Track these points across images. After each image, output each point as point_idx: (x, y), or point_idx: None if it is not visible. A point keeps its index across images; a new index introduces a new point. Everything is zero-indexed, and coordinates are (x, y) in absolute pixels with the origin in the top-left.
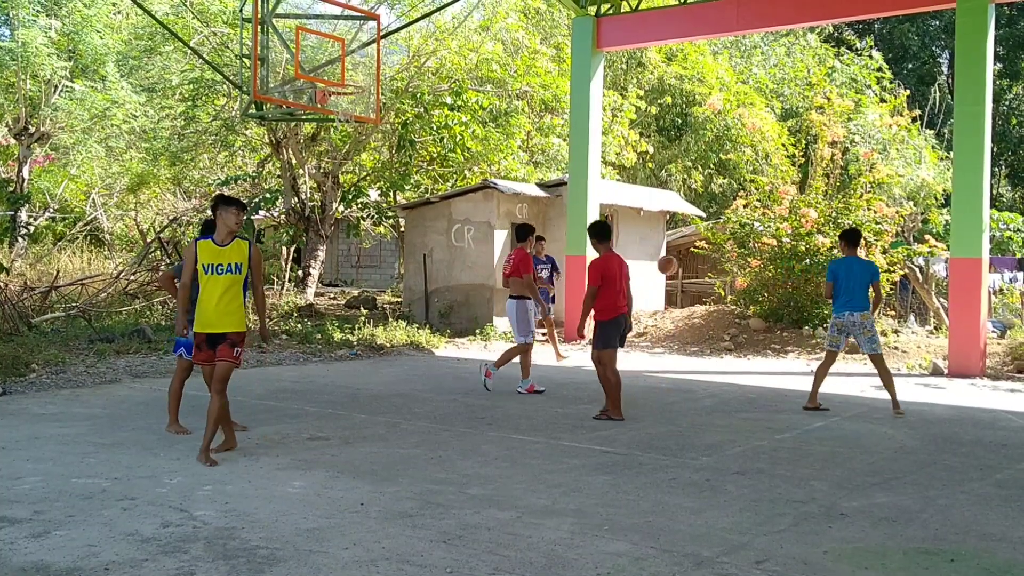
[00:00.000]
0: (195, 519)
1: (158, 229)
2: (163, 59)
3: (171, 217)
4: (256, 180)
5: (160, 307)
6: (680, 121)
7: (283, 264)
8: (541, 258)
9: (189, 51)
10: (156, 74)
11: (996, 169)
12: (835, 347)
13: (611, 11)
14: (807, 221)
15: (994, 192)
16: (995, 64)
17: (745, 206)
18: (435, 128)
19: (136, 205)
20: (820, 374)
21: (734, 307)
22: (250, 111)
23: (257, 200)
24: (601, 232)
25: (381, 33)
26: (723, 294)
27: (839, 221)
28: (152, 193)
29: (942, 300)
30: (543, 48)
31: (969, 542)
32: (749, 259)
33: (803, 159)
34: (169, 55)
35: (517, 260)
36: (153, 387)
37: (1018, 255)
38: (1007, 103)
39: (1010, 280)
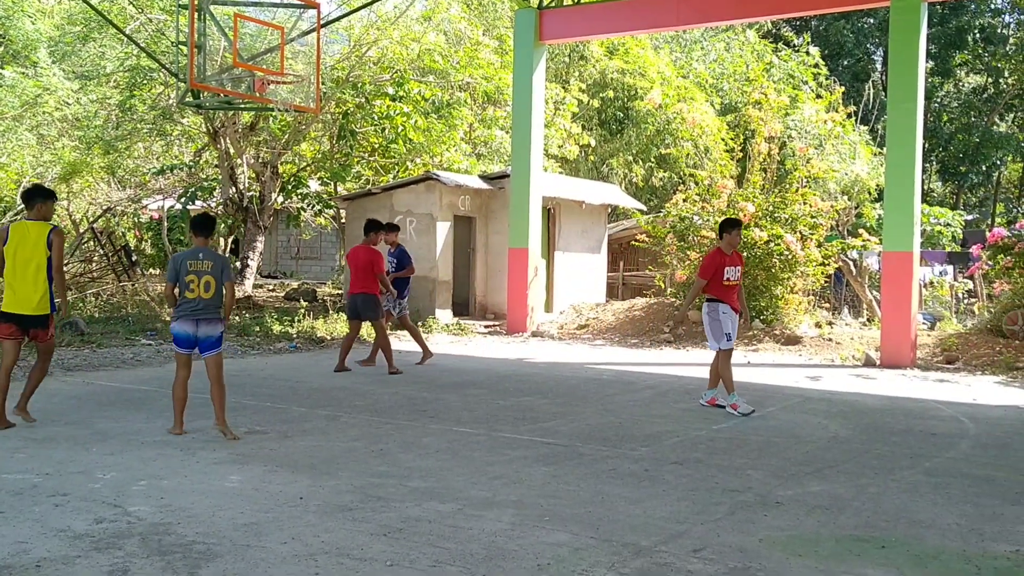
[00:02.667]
0: (129, 515)
1: (91, 219)
2: (97, 46)
3: (105, 207)
4: (193, 170)
5: (93, 299)
6: (622, 115)
7: None
8: (392, 250)
9: (124, 38)
10: (90, 61)
11: (927, 165)
12: None
13: (553, 4)
14: (745, 215)
15: (925, 187)
16: (927, 62)
17: (685, 200)
18: (376, 119)
19: (68, 195)
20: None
21: (674, 299)
22: (187, 99)
23: (193, 190)
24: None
25: (321, 22)
26: (663, 287)
27: (776, 215)
28: (85, 183)
29: (875, 293)
30: (485, 40)
31: (899, 529)
32: (688, 252)
33: (741, 154)
34: (104, 42)
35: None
36: (86, 381)
37: (948, 249)
38: (938, 100)
39: (940, 273)
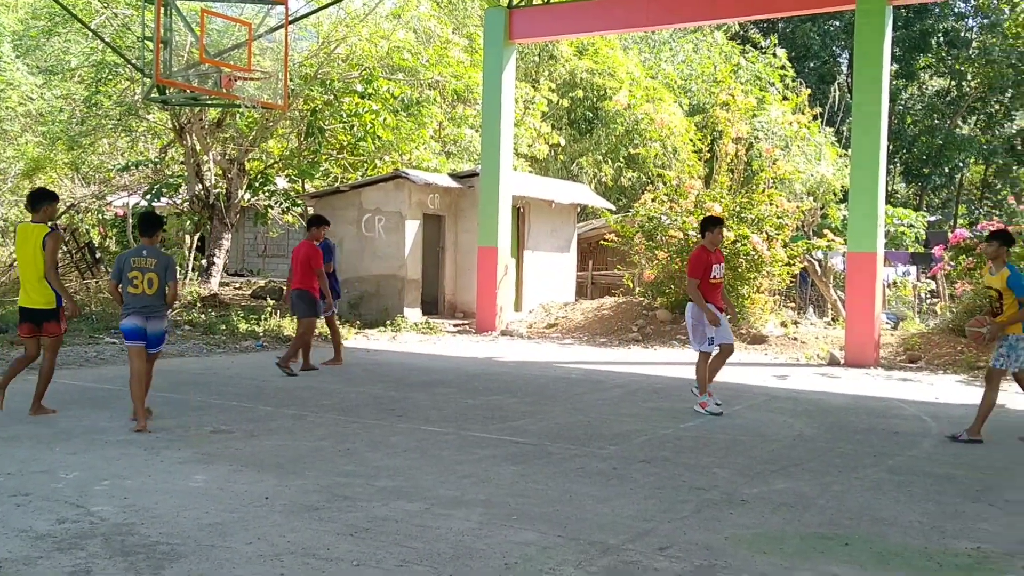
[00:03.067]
0: (92, 515)
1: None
2: (62, 40)
3: (69, 204)
4: (158, 166)
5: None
6: (591, 114)
7: (186, 253)
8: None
9: (90, 33)
10: (54, 56)
11: (891, 166)
12: None
13: (523, 3)
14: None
15: (889, 189)
16: (892, 64)
17: (653, 200)
18: (345, 116)
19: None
20: None
21: (642, 299)
22: (152, 95)
23: (159, 187)
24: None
25: (289, 18)
26: (632, 286)
27: (743, 215)
28: (48, 179)
29: (839, 292)
30: (455, 38)
31: (862, 526)
32: (657, 252)
33: (709, 154)
34: (68, 36)
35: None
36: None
37: (911, 250)
38: (903, 103)
39: (903, 273)
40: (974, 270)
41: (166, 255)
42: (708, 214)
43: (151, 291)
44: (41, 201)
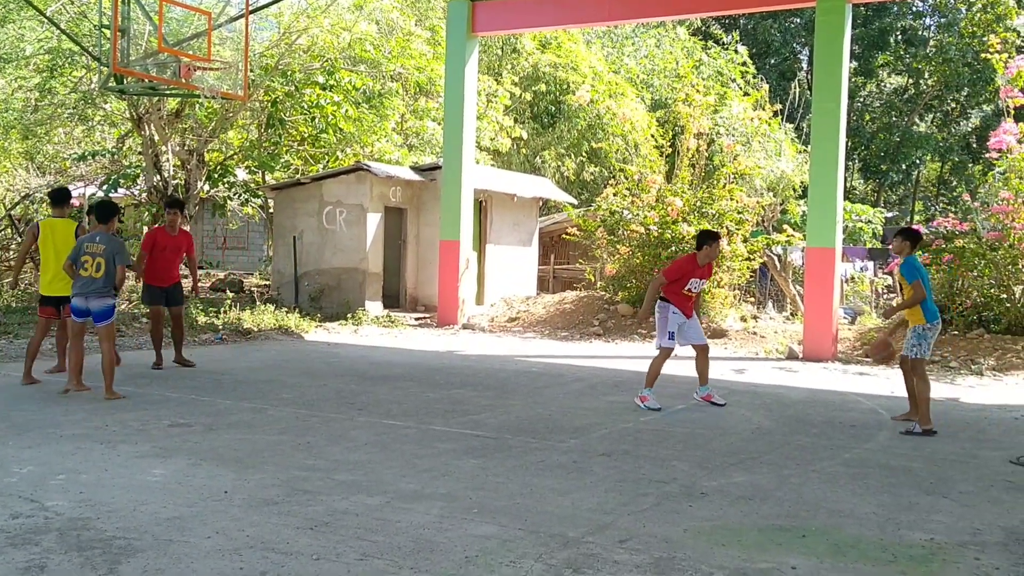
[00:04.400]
0: (47, 509)
1: (8, 206)
2: (16, 28)
3: (23, 194)
4: (116, 156)
5: (10, 289)
6: (554, 108)
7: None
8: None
9: (45, 20)
10: (8, 43)
11: (850, 163)
12: None
13: None
14: (673, 210)
15: (848, 185)
16: (851, 62)
17: (615, 194)
18: (306, 107)
19: None
20: None
21: (603, 293)
22: (110, 84)
23: (116, 177)
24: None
25: (250, 8)
26: (593, 280)
27: (703, 210)
28: (3, 168)
29: (798, 287)
30: (418, 30)
31: (819, 518)
32: (618, 246)
33: (671, 149)
34: (23, 24)
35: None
36: (2, 372)
37: (869, 245)
38: (861, 100)
39: (861, 269)
40: (929, 265)
41: (117, 241)
42: (703, 229)
43: (98, 274)
44: (67, 199)
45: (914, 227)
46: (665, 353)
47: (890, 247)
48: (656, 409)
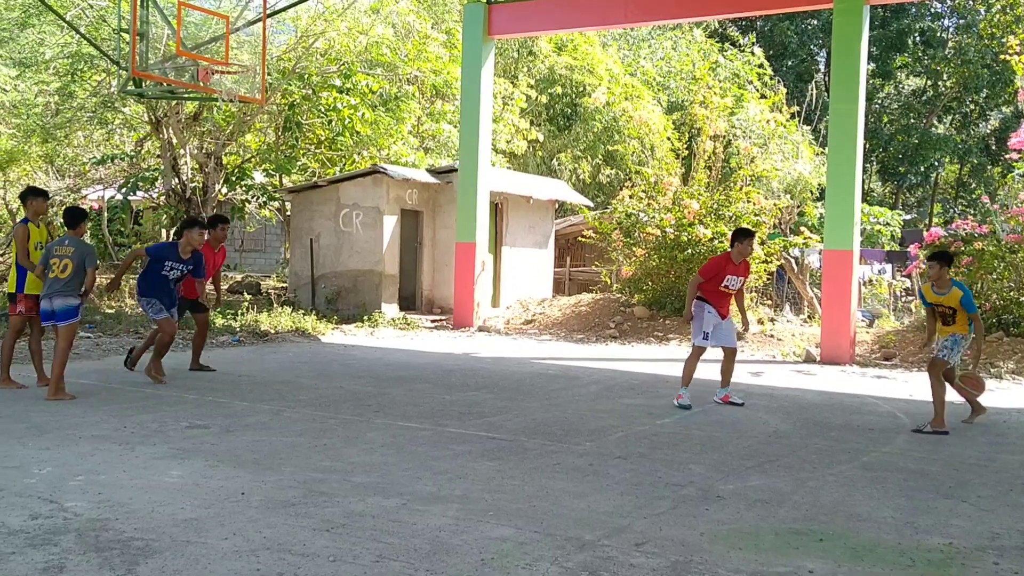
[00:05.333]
0: (66, 510)
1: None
2: (36, 32)
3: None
4: (134, 159)
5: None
6: (570, 111)
7: None
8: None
9: (65, 24)
10: (29, 48)
11: (868, 165)
12: None
13: None
14: (690, 212)
15: (865, 187)
16: (868, 64)
17: (631, 197)
18: (323, 111)
19: (5, 184)
20: None
21: (619, 295)
22: (128, 88)
23: (135, 180)
24: (67, 217)
25: (267, 12)
26: (609, 282)
27: (720, 212)
28: (23, 171)
29: (815, 290)
30: (434, 33)
31: (837, 522)
32: (634, 249)
33: (687, 152)
34: (43, 28)
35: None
36: (21, 374)
37: (887, 247)
38: (879, 102)
39: (879, 271)
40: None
41: (86, 245)
42: (741, 226)
43: (64, 275)
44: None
45: (942, 251)
46: (697, 352)
47: (925, 272)
48: (686, 407)
